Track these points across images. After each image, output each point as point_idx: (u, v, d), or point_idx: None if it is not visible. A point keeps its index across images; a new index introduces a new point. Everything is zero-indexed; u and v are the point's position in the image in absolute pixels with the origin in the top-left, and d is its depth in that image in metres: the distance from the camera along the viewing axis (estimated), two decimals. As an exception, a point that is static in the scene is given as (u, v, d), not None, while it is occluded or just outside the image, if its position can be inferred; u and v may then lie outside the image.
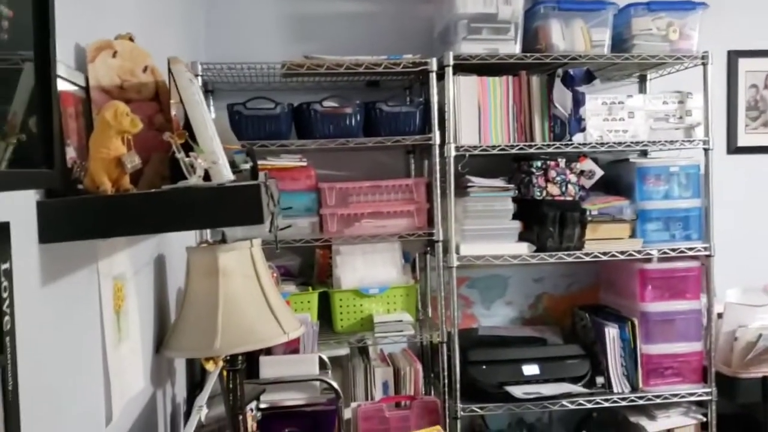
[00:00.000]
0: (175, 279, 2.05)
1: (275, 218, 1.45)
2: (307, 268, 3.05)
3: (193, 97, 1.15)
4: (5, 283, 0.84)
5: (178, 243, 2.13)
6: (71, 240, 1.01)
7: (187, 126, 1.17)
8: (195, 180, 1.05)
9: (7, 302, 0.84)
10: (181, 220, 1.03)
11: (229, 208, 1.02)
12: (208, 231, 2.65)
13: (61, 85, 1.06)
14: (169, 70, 1.21)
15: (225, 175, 1.12)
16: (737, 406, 3.16)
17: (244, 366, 2.02)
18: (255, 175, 1.37)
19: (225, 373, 1.95)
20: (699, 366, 2.89)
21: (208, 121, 1.16)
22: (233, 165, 1.37)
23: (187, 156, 1.06)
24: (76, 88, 1.16)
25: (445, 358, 2.77)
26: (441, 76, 2.74)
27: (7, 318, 0.84)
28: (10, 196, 0.90)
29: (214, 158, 1.08)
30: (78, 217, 1.00)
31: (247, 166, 1.37)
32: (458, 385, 2.75)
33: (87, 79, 1.21)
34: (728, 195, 3.21)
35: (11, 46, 0.84)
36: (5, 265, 0.84)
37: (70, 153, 1.08)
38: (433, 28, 3.07)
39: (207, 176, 1.10)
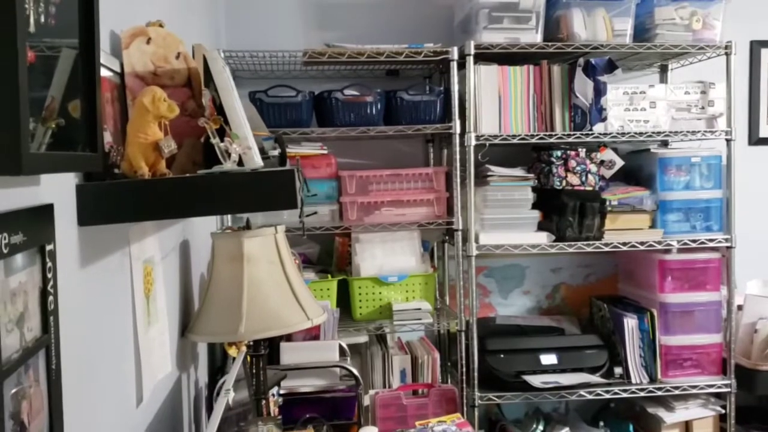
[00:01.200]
0: (198, 265, 2.07)
1: (303, 204, 1.47)
2: (327, 255, 3.06)
3: (226, 83, 1.16)
4: (50, 264, 0.85)
5: (202, 229, 2.15)
6: (109, 222, 1.02)
7: (220, 112, 1.18)
8: (230, 165, 1.06)
9: (51, 282, 0.86)
10: (216, 204, 1.04)
11: (263, 193, 1.03)
12: (229, 217, 2.67)
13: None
14: (204, 57, 1.22)
15: (257, 161, 1.13)
16: (756, 399, 3.15)
17: (267, 352, 2.05)
18: (283, 162, 1.38)
19: (249, 358, 1.97)
20: (718, 358, 2.89)
21: (240, 107, 1.18)
22: (262, 151, 1.38)
23: (222, 141, 1.08)
24: (111, 74, 1.18)
25: (463, 346, 2.78)
26: (462, 66, 2.73)
27: (51, 298, 0.86)
28: (51, 180, 0.91)
29: (248, 144, 1.09)
30: (116, 201, 1.02)
31: (276, 152, 1.39)
32: (476, 374, 2.76)
33: (122, 66, 1.22)
34: (749, 186, 3.20)
35: (56, 33, 0.85)
36: (50, 246, 0.86)
37: (107, 138, 1.10)
38: (453, 17, 3.06)
39: (240, 162, 1.12)
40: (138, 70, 1.22)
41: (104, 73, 1.15)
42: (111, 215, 1.02)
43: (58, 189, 0.94)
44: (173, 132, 1.15)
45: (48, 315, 0.85)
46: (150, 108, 1.02)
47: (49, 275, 0.85)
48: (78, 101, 0.92)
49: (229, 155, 1.05)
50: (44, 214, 0.85)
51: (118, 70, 1.21)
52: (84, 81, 0.88)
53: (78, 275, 1.00)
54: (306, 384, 2.50)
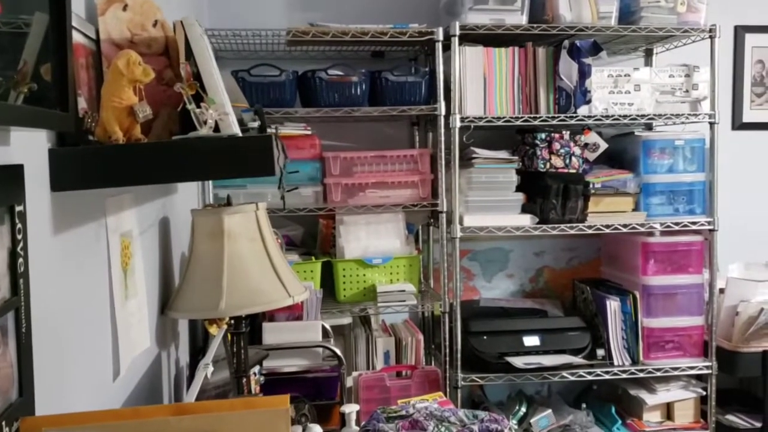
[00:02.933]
0: (179, 243, 2.05)
1: (284, 175, 1.45)
2: (310, 238, 3.05)
3: (203, 50, 1.14)
4: (19, 225, 0.84)
5: (182, 207, 2.13)
6: (82, 188, 1.00)
7: (198, 80, 1.16)
8: (206, 131, 1.05)
9: (21, 244, 0.84)
10: (192, 171, 1.02)
11: (240, 159, 1.02)
12: (211, 194, 2.66)
13: (73, 36, 1.05)
14: (182, 26, 1.20)
15: (234, 128, 1.12)
16: (737, 381, 3.18)
17: (248, 330, 2.04)
18: (263, 134, 1.37)
19: (229, 336, 1.96)
20: (700, 340, 2.91)
21: (217, 74, 1.16)
22: (241, 123, 1.36)
23: (198, 107, 1.06)
24: (86, 40, 1.16)
25: (447, 328, 2.78)
26: (447, 47, 2.72)
27: (20, 260, 0.84)
28: (23, 142, 0.89)
29: (225, 110, 1.08)
30: (90, 166, 1.00)
31: (255, 124, 1.37)
32: (459, 355, 2.76)
33: (98, 32, 1.20)
34: (732, 170, 3.21)
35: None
36: (19, 207, 0.84)
37: (81, 104, 1.08)
38: (439, -1, 3.05)
39: (216, 129, 1.10)
40: (114, 37, 1.20)
41: (79, 39, 1.13)
42: (84, 181, 1.00)
43: (29, 152, 0.92)
44: (150, 101, 1.14)
45: (17, 277, 0.83)
46: (124, 71, 1.01)
47: (19, 237, 0.84)
48: (50, 64, 0.90)
49: (206, 121, 1.04)
50: (14, 174, 0.84)
51: (93, 36, 1.19)
52: (54, 41, 0.86)
53: (51, 241, 0.99)
54: (288, 364, 2.50)
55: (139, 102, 1.04)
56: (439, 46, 2.71)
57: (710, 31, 2.81)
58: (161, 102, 1.23)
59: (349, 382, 2.63)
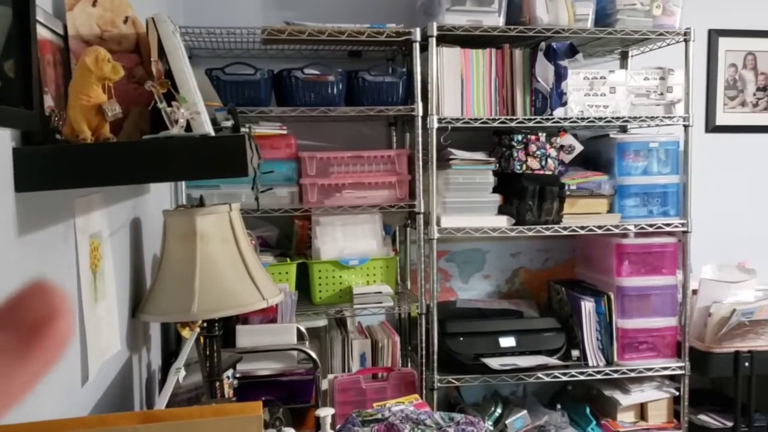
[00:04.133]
0: (150, 245, 2.02)
1: (258, 176, 1.43)
2: (286, 239, 3.02)
3: (175, 47, 1.11)
4: (-20, 227, 0.81)
5: (154, 207, 2.10)
6: (49, 189, 0.97)
7: (169, 78, 1.14)
8: (177, 130, 1.02)
9: (-18, 247, 0.81)
10: (162, 170, 1.00)
11: (212, 158, 0.99)
12: (184, 195, 2.62)
13: (39, 32, 1.02)
14: (153, 23, 1.17)
15: (207, 127, 1.09)
16: (709, 381, 3.21)
17: (221, 333, 2.01)
18: (236, 133, 1.34)
19: (202, 339, 1.93)
20: (673, 341, 2.93)
21: (189, 72, 1.13)
22: (214, 122, 1.34)
23: (169, 106, 1.03)
24: (54, 36, 1.12)
25: (424, 330, 2.77)
26: (424, 47, 2.71)
27: (-18, 263, 0.81)
28: (-15, 140, 0.86)
29: (197, 109, 1.05)
30: (56, 166, 0.97)
31: (229, 123, 1.35)
32: (435, 357, 2.75)
33: (65, 28, 1.17)
34: (705, 173, 3.24)
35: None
36: (-20, 209, 0.81)
37: (48, 102, 1.05)
38: (416, -1, 3.04)
39: (188, 128, 1.07)
40: (83, 33, 1.17)
41: (46, 34, 1.09)
42: (50, 181, 0.97)
43: (-9, 151, 0.89)
44: (120, 99, 1.11)
45: (-21, 281, 0.80)
46: (93, 68, 0.98)
47: (-20, 239, 0.81)
48: (13, 61, 0.87)
49: (177, 120, 1.01)
50: (-25, 174, 0.81)
51: (61, 32, 1.15)
52: (17, 34, 0.83)
53: (15, 242, 0.96)
54: (263, 367, 2.46)
55: (108, 100, 1.01)
56: (417, 47, 2.69)
57: (685, 34, 2.83)
58: (131, 100, 1.20)
59: (324, 384, 2.60)
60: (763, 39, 3.37)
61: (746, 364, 2.88)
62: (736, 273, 3.05)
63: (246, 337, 2.47)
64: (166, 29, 1.13)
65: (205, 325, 1.92)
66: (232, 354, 2.26)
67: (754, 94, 3.40)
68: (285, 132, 2.77)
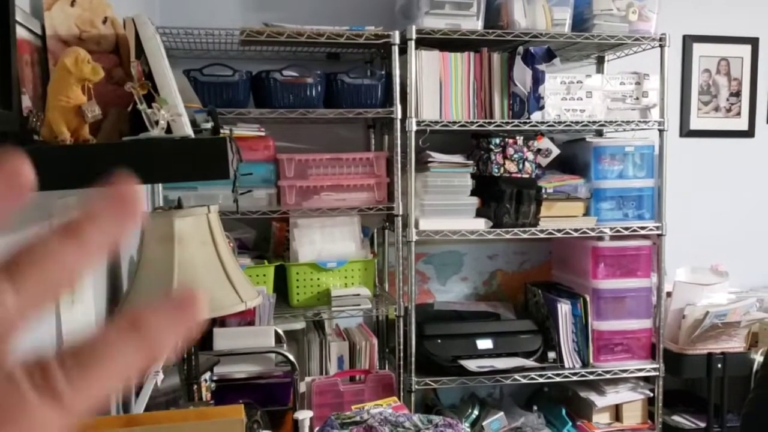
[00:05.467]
0: (128, 248, 2.00)
1: (237, 179, 1.43)
2: (263, 241, 3.01)
3: (156, 48, 1.11)
4: (-43, 229, 0.79)
5: (132, 209, 2.07)
6: (26, 190, 0.96)
7: (149, 79, 1.13)
8: (158, 132, 1.01)
9: (-41, 249, 0.80)
10: (142, 173, 0.98)
11: (193, 161, 0.98)
12: (161, 197, 2.60)
13: (17, 31, 1.01)
14: (133, 24, 1.16)
15: (187, 129, 1.09)
16: (683, 382, 3.26)
17: (199, 336, 1.99)
18: (216, 135, 1.34)
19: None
20: (648, 343, 2.96)
21: (170, 74, 1.13)
22: (194, 124, 1.33)
23: (150, 108, 1.03)
24: (31, 35, 1.11)
25: (401, 332, 2.78)
26: (403, 50, 2.72)
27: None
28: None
29: (178, 111, 1.05)
30: (34, 167, 0.95)
31: (208, 125, 1.34)
32: (413, 359, 2.76)
33: (43, 28, 1.15)
34: (680, 177, 3.29)
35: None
36: (-43, 211, 0.80)
37: (26, 102, 1.03)
38: (395, 2, 3.04)
39: (168, 130, 1.07)
40: (61, 33, 1.16)
41: (24, 34, 1.08)
42: (28, 182, 0.95)
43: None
44: (99, 101, 1.10)
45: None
46: (72, 69, 0.97)
47: (-43, 241, 0.79)
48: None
49: (157, 122, 1.01)
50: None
51: (39, 32, 1.14)
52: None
53: (-9, 245, 0.94)
54: (240, 370, 2.45)
55: (88, 101, 1.00)
56: (396, 50, 2.70)
57: (660, 39, 2.87)
58: (111, 102, 1.19)
59: (302, 387, 2.59)
60: (736, 45, 3.43)
61: (719, 365, 2.92)
62: (709, 275, 3.10)
63: (223, 339, 2.46)
64: (146, 30, 1.12)
65: (182, 327, 1.90)
66: (209, 357, 2.24)
67: (728, 99, 3.46)
68: (263, 134, 2.76)
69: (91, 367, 0.23)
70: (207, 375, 2.16)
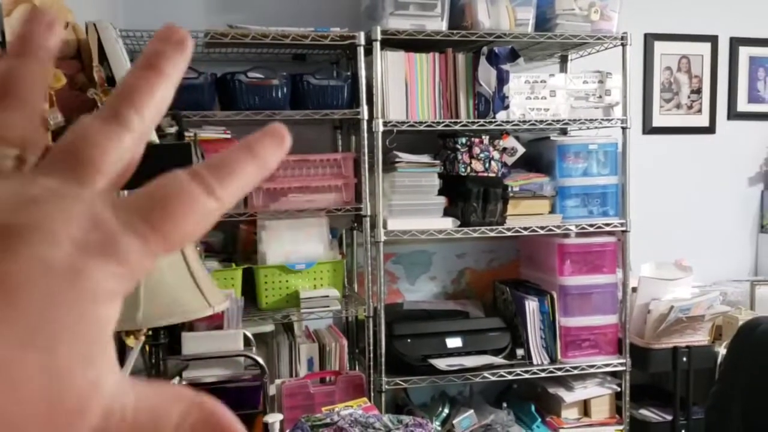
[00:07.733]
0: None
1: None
2: (230, 244, 2.99)
3: (118, 54, 1.10)
4: None
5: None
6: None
7: (112, 84, 1.12)
8: (121, 139, 1.00)
9: None
10: (106, 180, 0.98)
11: (157, 168, 0.97)
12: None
13: (-27, 37, 0.99)
14: (95, 29, 1.15)
15: (152, 135, 1.08)
16: (649, 377, 3.31)
17: (167, 341, 1.97)
18: (181, 140, 1.33)
19: (147, 347, 1.89)
20: (614, 338, 3.01)
21: (133, 80, 1.12)
22: (158, 128, 1.32)
23: (113, 114, 1.02)
24: (-11, 41, 1.09)
25: (371, 332, 2.78)
26: (369, 51, 2.72)
27: None
28: None
29: (142, 117, 1.04)
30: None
31: (173, 130, 1.33)
32: (383, 359, 2.77)
33: (3, 35, 1.13)
34: (643, 173, 3.34)
35: None
36: None
37: (-16, 109, 1.02)
38: (360, 3, 3.04)
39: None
40: (20, 38, 1.14)
41: (-19, 40, 1.06)
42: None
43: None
44: (61, 107, 1.08)
45: None
46: (32, 76, 0.95)
47: None
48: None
49: (121, 129, 1.00)
50: None
51: (-3, 37, 1.12)
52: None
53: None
54: (209, 374, 2.43)
55: (50, 108, 0.99)
56: (361, 51, 2.70)
57: (622, 38, 2.92)
58: (73, 108, 1.17)
59: (272, 390, 2.58)
60: (696, 43, 3.50)
61: (684, 359, 2.98)
62: (673, 271, 3.16)
63: (192, 344, 2.44)
64: (107, 35, 1.11)
65: (150, 333, 1.88)
66: (178, 362, 2.23)
67: (689, 97, 3.52)
68: (229, 136, 2.74)
69: (230, 173, 0.29)
70: (176, 380, 2.14)
